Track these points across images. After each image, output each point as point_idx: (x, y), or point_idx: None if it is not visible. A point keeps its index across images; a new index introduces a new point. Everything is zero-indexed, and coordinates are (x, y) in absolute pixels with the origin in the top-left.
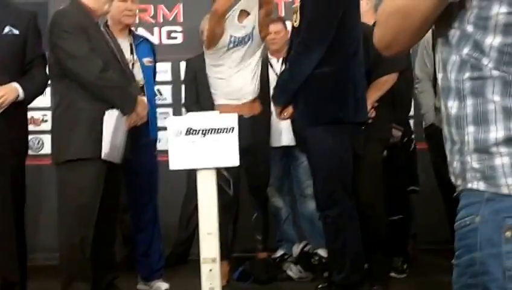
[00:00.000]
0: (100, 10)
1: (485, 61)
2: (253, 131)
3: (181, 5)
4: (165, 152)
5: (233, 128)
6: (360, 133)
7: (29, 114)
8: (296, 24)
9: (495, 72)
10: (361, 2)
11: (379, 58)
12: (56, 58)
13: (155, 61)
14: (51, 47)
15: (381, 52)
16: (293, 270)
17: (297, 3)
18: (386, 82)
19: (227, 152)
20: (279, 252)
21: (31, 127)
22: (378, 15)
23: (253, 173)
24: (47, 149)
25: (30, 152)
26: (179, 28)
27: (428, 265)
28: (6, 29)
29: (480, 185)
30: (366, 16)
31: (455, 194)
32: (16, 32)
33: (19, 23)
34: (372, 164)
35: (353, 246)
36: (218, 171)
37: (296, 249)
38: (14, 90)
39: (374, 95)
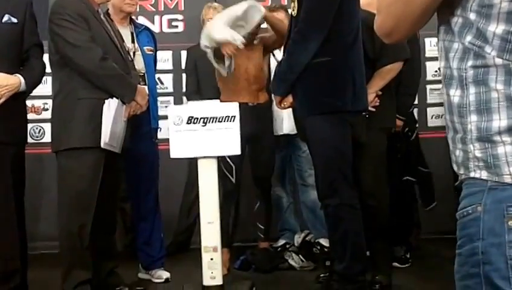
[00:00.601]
0: None
1: (488, 49)
2: (257, 119)
3: None
4: (166, 141)
5: (234, 117)
6: (361, 121)
7: (30, 102)
8: (294, 13)
9: (498, 60)
10: None
11: (384, 47)
12: (56, 46)
13: (156, 50)
14: (51, 36)
15: (382, 39)
16: (294, 260)
17: None
18: (390, 71)
19: (229, 141)
20: (281, 242)
21: (32, 116)
22: (380, 1)
23: (257, 162)
24: (48, 137)
25: (31, 140)
26: (180, 17)
27: (432, 255)
28: (5, 17)
29: (483, 174)
30: (373, 5)
31: (457, 183)
32: (15, 20)
33: (17, 12)
34: (375, 154)
35: (354, 236)
36: (222, 157)
37: (298, 239)
38: (18, 81)
39: (377, 84)
